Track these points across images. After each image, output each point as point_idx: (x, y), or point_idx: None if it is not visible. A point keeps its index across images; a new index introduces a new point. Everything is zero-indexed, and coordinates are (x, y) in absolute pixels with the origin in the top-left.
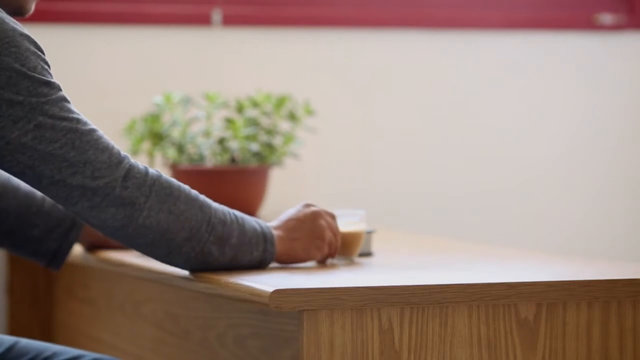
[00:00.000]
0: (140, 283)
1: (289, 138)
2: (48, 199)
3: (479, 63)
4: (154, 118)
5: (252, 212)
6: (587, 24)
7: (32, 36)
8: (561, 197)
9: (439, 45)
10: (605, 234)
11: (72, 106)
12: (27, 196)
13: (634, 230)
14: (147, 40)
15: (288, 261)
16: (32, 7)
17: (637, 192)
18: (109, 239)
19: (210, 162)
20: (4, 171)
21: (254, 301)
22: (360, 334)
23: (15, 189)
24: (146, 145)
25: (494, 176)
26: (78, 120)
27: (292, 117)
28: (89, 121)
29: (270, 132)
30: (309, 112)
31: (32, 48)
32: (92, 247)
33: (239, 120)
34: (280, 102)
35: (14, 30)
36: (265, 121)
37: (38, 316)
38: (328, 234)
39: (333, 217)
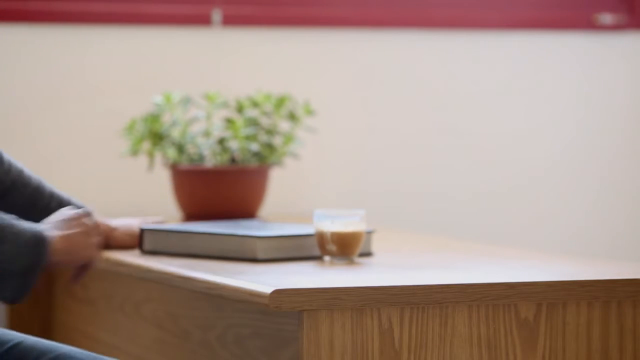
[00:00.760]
0: (140, 283)
1: (289, 138)
2: (55, 196)
3: (479, 63)
4: (154, 118)
5: (252, 212)
6: (587, 24)
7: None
8: (561, 197)
9: (439, 45)
10: (605, 234)
11: None
12: (35, 193)
13: (634, 230)
14: (147, 40)
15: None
16: None
17: (637, 192)
18: (109, 239)
19: (210, 162)
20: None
21: (254, 301)
22: (360, 334)
23: (25, 184)
24: (146, 145)
25: (493, 176)
26: None
27: (292, 117)
28: None
29: (270, 132)
30: (309, 112)
31: None
32: None
33: (239, 120)
34: (280, 102)
35: None
36: (265, 121)
37: (38, 316)
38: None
39: (85, 216)
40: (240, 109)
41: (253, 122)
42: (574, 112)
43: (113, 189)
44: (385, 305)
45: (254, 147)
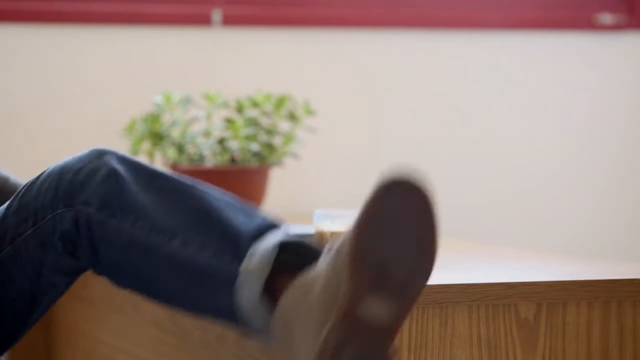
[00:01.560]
0: None
1: (289, 138)
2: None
3: (479, 63)
4: (154, 118)
5: None
6: (587, 24)
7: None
8: (561, 197)
9: (439, 45)
10: (605, 234)
11: None
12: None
13: (634, 230)
14: (147, 40)
15: None
16: None
17: (637, 192)
18: None
19: (210, 162)
20: None
21: None
22: None
23: (4, 180)
24: (146, 145)
25: (493, 175)
26: None
27: (292, 117)
28: None
29: (270, 132)
30: (309, 112)
31: None
32: None
33: (239, 120)
34: (280, 102)
35: None
36: (265, 121)
37: None
38: None
39: None
40: (240, 109)
41: (253, 122)
42: (574, 112)
43: None
44: None
45: (254, 147)
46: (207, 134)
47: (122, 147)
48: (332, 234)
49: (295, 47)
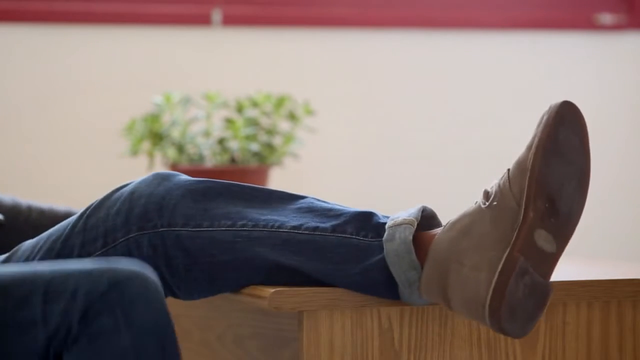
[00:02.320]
0: None
1: (288, 138)
2: (34, 207)
3: (479, 63)
4: (153, 118)
5: None
6: (587, 24)
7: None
8: None
9: (439, 45)
10: (605, 234)
11: None
12: (13, 209)
13: (634, 231)
14: (147, 40)
15: None
16: None
17: (637, 192)
18: None
19: (210, 162)
20: None
21: (253, 301)
22: (360, 334)
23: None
24: (146, 145)
25: (493, 175)
26: None
27: (292, 117)
28: None
29: (270, 132)
30: (309, 112)
31: None
32: None
33: (239, 120)
34: (280, 102)
35: None
36: (265, 121)
37: None
38: None
39: None
40: (240, 109)
41: (253, 122)
42: None
43: None
44: (385, 305)
45: (254, 147)
46: (207, 134)
47: (122, 147)
48: None
49: (295, 47)
